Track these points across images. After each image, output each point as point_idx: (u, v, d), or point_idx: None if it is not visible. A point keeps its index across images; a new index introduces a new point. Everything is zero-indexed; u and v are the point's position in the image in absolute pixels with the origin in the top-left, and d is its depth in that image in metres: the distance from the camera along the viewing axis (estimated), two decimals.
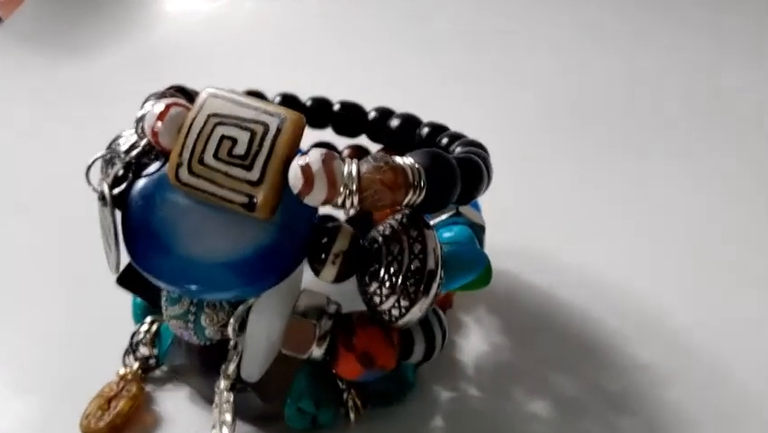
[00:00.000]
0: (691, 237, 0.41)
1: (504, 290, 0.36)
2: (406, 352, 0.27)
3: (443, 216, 0.30)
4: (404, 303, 0.24)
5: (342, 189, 0.23)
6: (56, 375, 0.32)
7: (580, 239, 0.40)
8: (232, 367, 0.26)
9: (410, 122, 0.36)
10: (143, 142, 0.27)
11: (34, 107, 0.61)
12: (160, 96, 0.28)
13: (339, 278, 0.25)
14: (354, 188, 0.23)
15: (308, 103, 0.38)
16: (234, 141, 0.24)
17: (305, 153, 0.23)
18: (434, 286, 0.24)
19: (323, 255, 0.24)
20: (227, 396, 0.27)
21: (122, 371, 0.31)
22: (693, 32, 0.65)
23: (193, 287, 0.24)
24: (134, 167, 0.27)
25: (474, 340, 0.34)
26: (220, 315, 0.26)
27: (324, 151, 0.23)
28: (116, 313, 0.33)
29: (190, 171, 0.24)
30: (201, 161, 0.24)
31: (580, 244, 0.40)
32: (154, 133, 0.25)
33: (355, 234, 0.25)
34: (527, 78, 0.60)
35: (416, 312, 0.24)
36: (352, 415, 0.28)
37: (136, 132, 0.28)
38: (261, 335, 0.25)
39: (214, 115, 0.24)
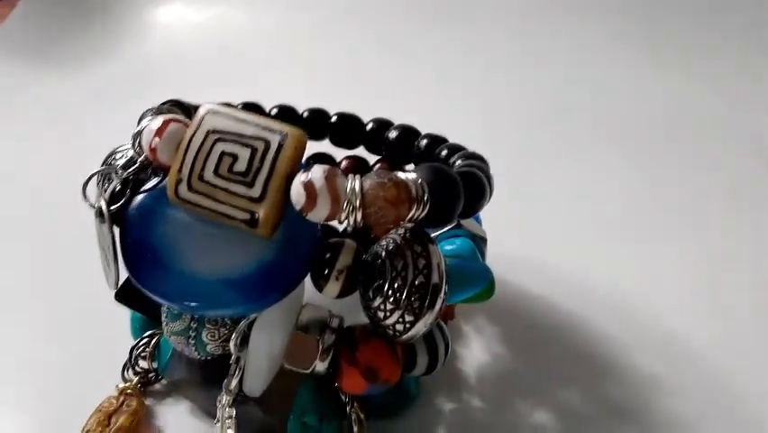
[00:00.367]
0: (693, 246, 0.41)
1: (504, 299, 0.36)
2: (409, 365, 0.27)
3: (445, 229, 0.30)
4: (408, 318, 0.24)
5: (345, 206, 0.23)
6: (54, 390, 0.32)
7: (580, 249, 0.41)
8: (234, 382, 0.26)
9: (409, 133, 0.35)
10: (141, 158, 0.27)
11: (24, 119, 0.61)
12: (157, 111, 0.28)
13: (342, 293, 0.25)
14: (357, 204, 0.23)
15: (305, 114, 0.38)
16: (235, 157, 0.24)
17: (307, 170, 0.23)
18: (439, 301, 0.24)
19: (326, 271, 0.24)
20: (229, 411, 0.27)
21: (121, 385, 0.31)
22: (696, 42, 0.65)
23: (194, 304, 0.24)
24: (132, 183, 0.27)
25: (476, 350, 0.34)
26: (221, 330, 0.26)
27: (326, 167, 0.23)
28: (115, 327, 0.33)
29: (190, 188, 0.24)
30: (201, 178, 0.24)
31: (581, 253, 0.40)
32: (152, 150, 0.25)
33: (358, 250, 0.25)
34: (526, 88, 0.60)
35: (421, 327, 0.24)
36: (355, 428, 0.28)
37: (133, 147, 0.27)
38: (264, 350, 0.25)
39: (214, 131, 0.24)
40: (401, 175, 0.24)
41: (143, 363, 0.31)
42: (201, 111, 0.25)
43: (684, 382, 0.32)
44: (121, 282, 0.28)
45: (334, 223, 0.25)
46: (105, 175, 0.28)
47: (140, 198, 0.26)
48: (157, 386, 0.32)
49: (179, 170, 0.24)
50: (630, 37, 0.67)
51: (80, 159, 0.51)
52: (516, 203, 0.42)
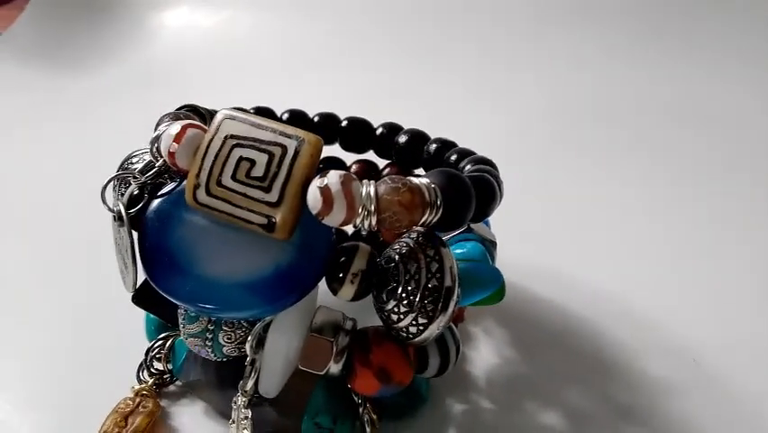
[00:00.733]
0: (703, 252, 0.42)
1: (512, 302, 0.36)
2: (421, 366, 0.28)
3: (455, 232, 0.31)
4: (422, 321, 0.24)
5: (360, 210, 0.23)
6: (71, 392, 0.32)
7: (588, 252, 0.41)
8: (250, 384, 0.27)
9: (418, 138, 0.36)
10: (159, 162, 0.27)
11: (32, 122, 0.61)
12: (175, 116, 0.29)
13: (357, 296, 0.25)
14: (372, 208, 0.23)
15: (316, 119, 0.38)
16: (253, 162, 0.24)
17: (323, 175, 0.23)
18: (452, 304, 0.24)
19: (341, 274, 0.25)
20: (245, 412, 0.27)
21: (137, 386, 0.31)
22: (708, 47, 0.65)
23: (211, 307, 0.25)
24: (150, 187, 0.27)
25: (485, 353, 0.34)
26: (238, 332, 0.26)
27: (342, 172, 0.23)
28: (130, 329, 0.33)
29: (208, 192, 0.25)
30: (219, 183, 0.24)
31: (589, 257, 0.41)
32: (171, 154, 0.26)
33: (372, 253, 0.25)
34: (537, 92, 0.61)
35: (434, 329, 0.24)
36: (368, 429, 0.28)
37: (151, 152, 0.28)
38: (280, 352, 0.26)
39: (232, 136, 0.25)
40: (415, 180, 0.24)
41: (158, 365, 0.32)
42: (219, 116, 0.25)
43: (694, 387, 0.32)
44: (138, 285, 0.29)
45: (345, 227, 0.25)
46: (122, 179, 0.29)
47: (158, 202, 0.27)
48: (172, 387, 0.32)
49: (197, 175, 0.25)
50: (651, 41, 0.67)
51: (88, 160, 0.52)
52: (524, 207, 0.42)
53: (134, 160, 0.30)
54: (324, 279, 0.26)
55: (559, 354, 0.34)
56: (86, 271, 0.39)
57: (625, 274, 0.39)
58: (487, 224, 0.33)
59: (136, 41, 0.74)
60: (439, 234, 0.26)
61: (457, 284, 0.25)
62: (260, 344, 0.26)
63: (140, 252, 0.26)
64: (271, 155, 0.24)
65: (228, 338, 0.26)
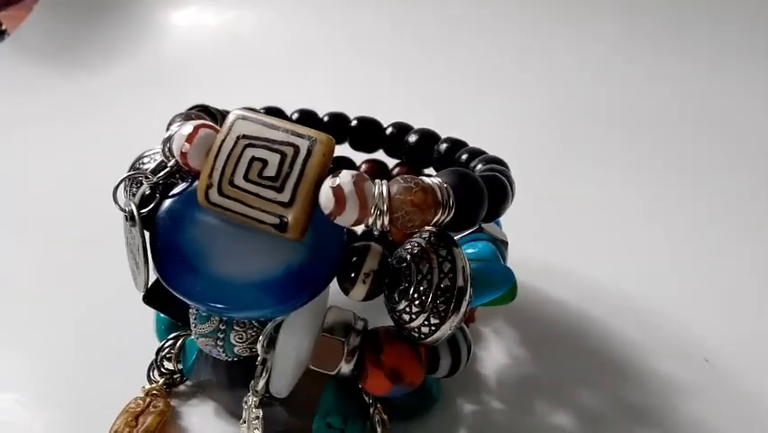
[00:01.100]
0: (713, 252, 0.42)
1: (524, 302, 0.36)
2: (432, 367, 0.28)
3: (466, 232, 0.31)
4: (434, 321, 0.24)
5: (373, 210, 0.23)
6: (81, 391, 0.32)
7: (599, 252, 0.41)
8: (261, 383, 0.27)
9: (428, 137, 0.36)
10: (171, 162, 0.27)
11: (41, 121, 0.62)
12: (186, 116, 0.29)
13: (369, 296, 0.25)
14: (385, 208, 0.23)
15: (326, 118, 0.38)
16: (265, 162, 0.24)
17: (335, 175, 0.23)
18: (464, 304, 0.24)
19: (353, 274, 0.25)
20: (256, 412, 0.27)
21: (147, 386, 0.31)
22: (710, 47, 0.65)
23: (223, 306, 0.25)
24: (161, 187, 0.27)
25: (495, 353, 0.34)
26: (249, 332, 0.26)
27: (354, 172, 0.23)
28: (140, 329, 0.33)
29: (220, 192, 0.25)
30: (231, 183, 0.24)
31: (599, 256, 0.40)
32: (183, 155, 0.26)
33: (384, 254, 0.25)
34: (546, 91, 0.60)
35: (446, 330, 0.24)
36: (379, 429, 0.28)
37: (163, 152, 0.28)
38: (291, 352, 0.26)
39: (244, 136, 0.25)
40: (427, 180, 0.24)
41: (169, 365, 0.32)
42: (231, 117, 0.25)
43: (705, 387, 0.32)
44: (149, 285, 0.29)
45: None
46: (133, 179, 0.29)
47: (170, 201, 0.27)
48: (182, 387, 0.32)
49: (210, 175, 0.25)
50: (655, 41, 0.67)
51: (98, 159, 0.52)
52: (536, 207, 0.42)
53: (146, 160, 0.30)
54: (335, 279, 0.26)
55: (570, 355, 0.34)
56: (96, 271, 0.40)
57: (636, 274, 0.39)
58: (498, 223, 0.33)
59: (144, 40, 0.75)
60: (450, 233, 0.26)
61: (469, 284, 0.24)
62: (271, 344, 0.26)
63: (151, 251, 0.26)
64: (284, 155, 0.24)
65: (239, 338, 0.26)
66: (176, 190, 0.27)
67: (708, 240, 0.43)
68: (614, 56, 0.65)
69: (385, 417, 0.28)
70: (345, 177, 0.23)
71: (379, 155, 0.39)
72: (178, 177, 0.28)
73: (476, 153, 0.33)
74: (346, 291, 0.25)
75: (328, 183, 0.23)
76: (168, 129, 0.28)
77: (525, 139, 0.53)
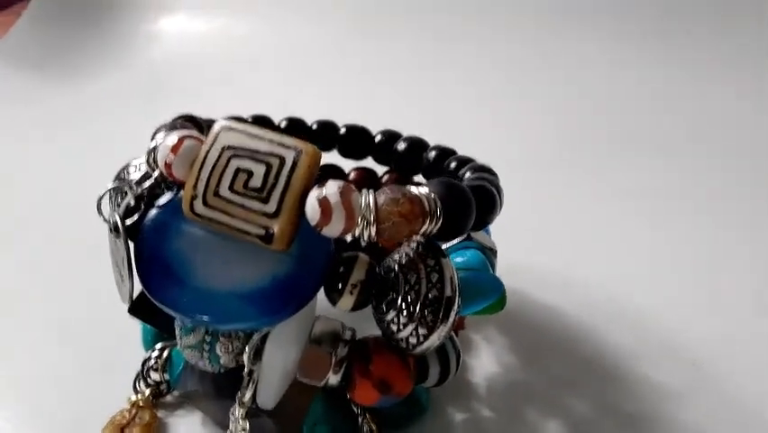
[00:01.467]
0: (704, 256, 0.42)
1: (514, 308, 0.36)
2: (421, 376, 0.27)
3: (455, 241, 0.31)
4: (422, 331, 0.24)
5: (359, 221, 0.23)
6: (67, 403, 0.32)
7: (589, 257, 0.41)
8: (248, 395, 0.26)
9: (417, 145, 0.36)
10: (156, 173, 0.27)
11: (28, 130, 0.61)
12: (171, 126, 0.29)
13: (356, 307, 0.25)
14: (372, 219, 0.23)
15: (314, 126, 0.38)
16: (250, 173, 0.24)
17: (321, 185, 0.23)
18: (452, 314, 0.24)
19: (340, 285, 0.24)
20: (243, 424, 0.27)
21: (133, 397, 0.31)
22: (706, 53, 0.65)
23: (208, 318, 0.24)
24: (146, 198, 0.27)
25: (485, 360, 0.34)
26: (235, 343, 0.26)
27: (341, 182, 0.23)
28: (126, 339, 0.33)
29: (205, 204, 0.24)
30: (216, 194, 0.24)
31: (590, 262, 0.40)
32: (167, 166, 0.25)
33: (372, 264, 0.25)
34: (535, 98, 0.60)
35: (434, 340, 0.24)
36: None
37: (147, 163, 0.28)
38: (278, 364, 0.26)
39: (229, 147, 0.25)
40: (414, 190, 0.24)
41: (155, 375, 0.31)
42: (216, 127, 0.25)
43: (696, 394, 0.32)
44: (135, 296, 0.28)
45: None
46: (118, 190, 0.29)
47: (154, 212, 0.27)
48: (169, 398, 0.32)
49: (195, 186, 0.25)
50: (652, 46, 0.67)
51: (85, 168, 0.52)
52: (525, 213, 0.42)
53: (131, 169, 0.30)
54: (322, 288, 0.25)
55: (560, 361, 0.34)
56: (82, 281, 0.39)
57: (624, 278, 0.39)
58: (487, 231, 0.33)
59: (133, 48, 0.74)
60: (439, 242, 0.26)
61: (458, 294, 0.24)
62: (257, 355, 0.26)
63: (136, 263, 0.26)
64: (269, 166, 0.24)
65: (225, 349, 0.26)
66: (161, 201, 0.27)
67: (699, 244, 0.43)
68: (606, 63, 0.65)
69: (374, 427, 0.28)
70: (331, 187, 0.23)
71: (369, 162, 0.39)
72: (163, 187, 0.28)
73: (464, 161, 0.32)
74: (333, 302, 0.25)
75: (314, 194, 0.23)
76: (152, 139, 0.28)
77: (516, 145, 0.53)
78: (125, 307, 0.29)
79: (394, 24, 0.72)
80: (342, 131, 0.38)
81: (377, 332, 0.26)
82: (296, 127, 0.38)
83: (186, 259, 0.25)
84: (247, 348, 0.26)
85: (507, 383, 0.33)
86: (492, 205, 0.26)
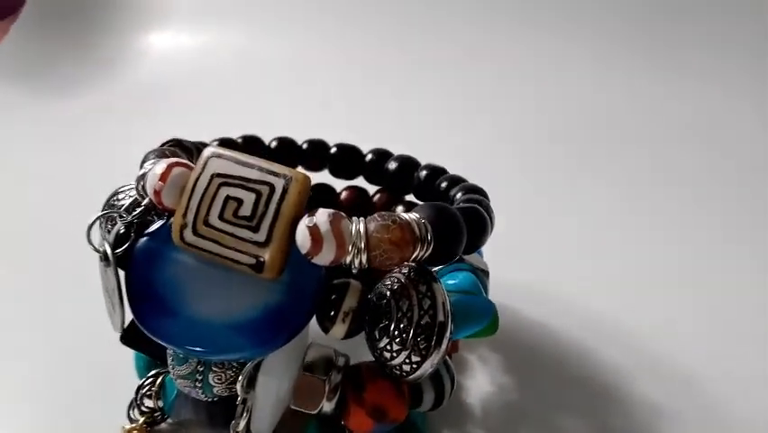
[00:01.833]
0: (697, 275, 0.42)
1: (507, 327, 0.36)
2: (415, 401, 0.27)
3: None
4: (415, 359, 0.24)
5: (350, 249, 0.23)
6: (60, 431, 0.32)
7: (582, 276, 0.41)
8: (242, 424, 0.26)
9: (408, 165, 0.36)
10: (145, 201, 0.27)
11: (13, 148, 0.61)
12: (160, 153, 0.28)
13: (348, 335, 0.25)
14: (363, 246, 0.23)
15: (305, 146, 0.38)
16: (240, 202, 0.24)
17: (311, 213, 0.23)
18: (445, 340, 0.24)
19: (332, 313, 0.24)
20: None
21: (127, 426, 0.31)
22: (697, 64, 0.65)
23: (200, 349, 0.24)
24: (136, 225, 0.27)
25: (480, 381, 0.34)
26: (228, 373, 0.26)
27: (331, 211, 0.23)
28: (119, 367, 0.33)
29: (195, 232, 0.24)
30: (206, 223, 0.24)
31: (583, 280, 0.40)
32: (157, 193, 0.25)
33: (363, 291, 0.25)
34: (521, 112, 0.60)
35: (427, 367, 0.24)
36: None
37: (136, 190, 0.27)
38: (271, 393, 0.25)
39: (218, 175, 0.24)
40: (404, 216, 0.24)
41: (149, 403, 0.31)
42: (205, 154, 0.25)
43: (687, 413, 0.32)
44: (126, 324, 0.28)
45: None
46: (108, 217, 0.28)
47: (144, 240, 0.26)
48: (163, 425, 0.32)
49: (184, 215, 0.24)
50: (639, 50, 0.67)
51: (74, 187, 0.51)
52: (519, 229, 0.42)
53: (120, 196, 0.30)
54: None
55: (555, 380, 0.34)
56: (73, 306, 0.39)
57: (621, 298, 0.39)
58: (479, 252, 0.33)
59: (123, 62, 0.74)
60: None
61: (450, 320, 0.24)
62: (250, 383, 0.26)
63: (127, 292, 0.26)
64: (259, 194, 0.24)
65: (218, 379, 0.26)
66: (151, 229, 0.27)
67: (692, 262, 0.43)
68: (599, 72, 0.65)
69: None
70: (321, 216, 0.23)
71: (360, 181, 0.39)
72: (153, 214, 0.28)
73: (455, 181, 0.32)
74: (326, 330, 0.25)
75: (304, 222, 0.23)
76: (141, 166, 0.28)
77: (504, 161, 0.53)
78: (117, 333, 0.29)
79: (390, 40, 0.72)
80: (333, 150, 0.38)
81: (370, 357, 0.26)
82: (286, 147, 0.38)
83: (177, 288, 0.25)
84: (240, 377, 0.25)
85: (502, 404, 0.33)
86: (483, 229, 0.26)
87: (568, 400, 0.32)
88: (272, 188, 0.24)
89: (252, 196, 0.24)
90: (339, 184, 0.39)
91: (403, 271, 0.25)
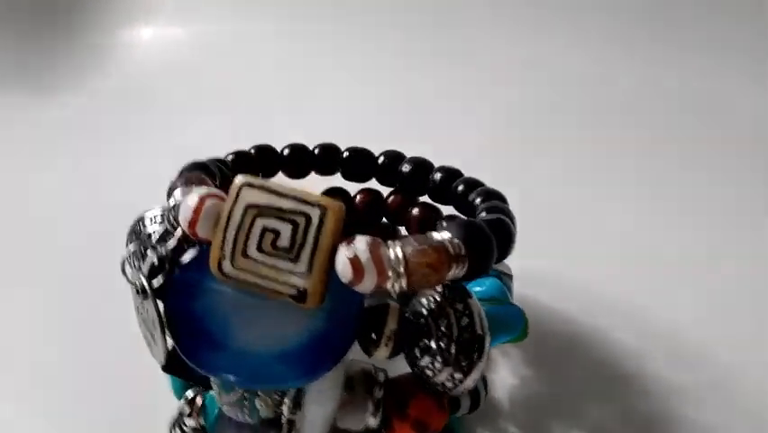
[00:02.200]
0: (722, 261, 0.42)
1: (530, 318, 0.37)
2: (453, 409, 0.28)
3: None
4: (458, 376, 0.25)
5: (390, 274, 0.23)
6: None
7: (605, 264, 0.41)
8: None
9: (422, 167, 0.36)
10: (178, 233, 0.27)
11: (5, 150, 0.60)
12: (186, 181, 0.29)
13: (391, 356, 0.25)
14: (402, 270, 0.23)
15: (316, 151, 0.38)
16: (277, 233, 0.24)
17: (350, 242, 0.24)
18: (485, 354, 0.25)
19: (374, 336, 0.25)
20: None
21: None
22: (694, 41, 0.64)
23: (248, 381, 0.25)
24: (170, 257, 0.27)
25: (504, 375, 0.35)
26: (274, 397, 0.27)
27: (369, 238, 0.23)
28: (159, 386, 0.33)
29: (234, 265, 0.25)
30: (244, 254, 0.24)
31: (606, 269, 0.41)
32: (191, 225, 0.25)
33: (402, 311, 0.26)
34: (533, 100, 0.60)
35: (470, 383, 0.25)
36: None
37: (167, 221, 0.28)
38: (318, 414, 0.26)
39: (252, 206, 0.25)
40: (437, 237, 0.24)
41: (191, 422, 0.32)
42: (236, 183, 0.25)
43: (717, 399, 0.33)
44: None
45: None
46: (138, 248, 0.29)
47: (182, 271, 0.27)
48: None
49: (222, 247, 0.25)
50: (633, 38, 0.66)
51: (67, 188, 0.51)
52: (539, 219, 0.41)
53: (146, 222, 0.30)
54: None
55: (580, 370, 0.35)
56: (109, 327, 0.39)
57: (646, 285, 0.40)
58: None
59: (113, 55, 0.73)
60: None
61: (488, 333, 0.25)
62: (297, 405, 0.26)
63: (167, 323, 0.26)
64: (295, 225, 0.24)
65: (265, 403, 0.27)
66: (186, 259, 0.27)
67: (709, 245, 0.43)
68: (600, 60, 0.65)
69: None
70: (361, 245, 0.23)
71: (372, 183, 0.39)
72: (187, 244, 0.28)
73: (472, 185, 0.33)
74: (369, 354, 0.25)
75: (344, 253, 0.23)
76: (169, 197, 0.28)
77: (515, 150, 0.53)
78: (150, 356, 0.29)
79: (390, 35, 0.71)
80: (345, 154, 0.38)
81: (405, 368, 0.27)
82: (298, 154, 0.38)
83: (219, 319, 0.26)
84: (286, 399, 0.26)
85: (528, 396, 0.34)
86: (510, 239, 0.27)
87: (594, 390, 0.33)
88: (308, 218, 0.24)
89: (289, 227, 0.24)
90: (352, 187, 0.40)
91: (438, 288, 0.26)
